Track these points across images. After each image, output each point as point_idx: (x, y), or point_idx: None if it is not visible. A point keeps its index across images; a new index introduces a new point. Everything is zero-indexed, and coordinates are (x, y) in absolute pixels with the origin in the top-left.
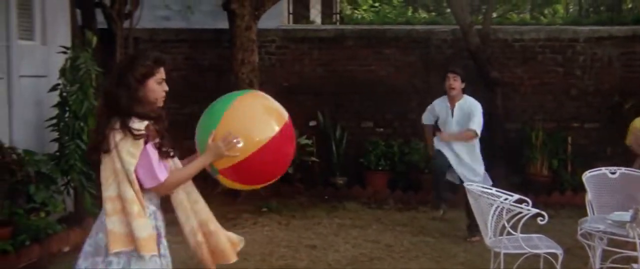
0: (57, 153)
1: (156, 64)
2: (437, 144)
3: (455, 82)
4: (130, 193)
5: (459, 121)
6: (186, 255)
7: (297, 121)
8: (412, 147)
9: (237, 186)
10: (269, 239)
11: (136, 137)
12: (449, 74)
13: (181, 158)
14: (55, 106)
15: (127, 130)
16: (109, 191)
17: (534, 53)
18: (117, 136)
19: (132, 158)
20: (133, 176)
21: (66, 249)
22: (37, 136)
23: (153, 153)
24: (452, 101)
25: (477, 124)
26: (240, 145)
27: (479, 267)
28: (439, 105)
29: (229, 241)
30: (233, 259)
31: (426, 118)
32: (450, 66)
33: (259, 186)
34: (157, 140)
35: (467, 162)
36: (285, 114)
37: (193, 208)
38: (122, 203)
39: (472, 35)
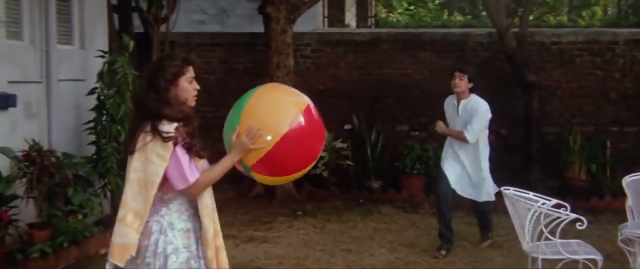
0: (95, 156)
1: (185, 64)
2: (446, 151)
3: (461, 81)
4: (134, 200)
5: (463, 119)
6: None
7: (332, 125)
8: None
9: (273, 180)
10: (305, 243)
11: (165, 139)
12: (456, 72)
13: (211, 162)
14: (92, 109)
15: (156, 132)
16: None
17: (572, 56)
18: (147, 138)
19: (162, 161)
20: (157, 179)
21: (103, 251)
22: (75, 139)
23: (183, 154)
24: (459, 99)
25: (472, 129)
26: (268, 139)
27: None
28: (448, 102)
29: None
30: None
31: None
32: (458, 64)
33: (293, 176)
34: (187, 141)
35: (470, 173)
36: (305, 100)
37: (214, 216)
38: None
39: (508, 38)
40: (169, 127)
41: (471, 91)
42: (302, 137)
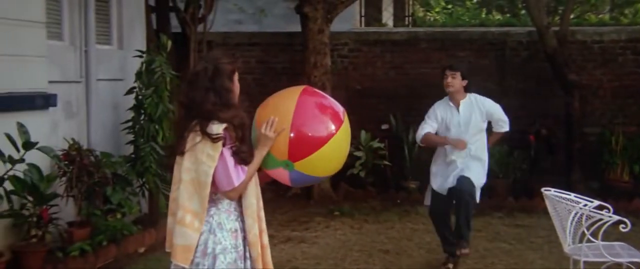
0: (133, 155)
1: (235, 61)
2: (436, 170)
3: (454, 80)
4: (190, 201)
5: (467, 121)
6: None
7: (369, 125)
8: None
9: (317, 159)
10: (342, 243)
11: (215, 140)
12: (446, 70)
13: None
14: (130, 108)
15: (205, 133)
16: (173, 193)
17: (614, 54)
18: (196, 138)
19: (212, 161)
20: (209, 179)
21: (141, 250)
22: (114, 138)
23: (229, 156)
24: (455, 101)
25: (504, 119)
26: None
27: None
28: (441, 107)
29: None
30: None
31: (426, 126)
32: (449, 61)
33: (331, 145)
34: (235, 144)
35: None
36: (301, 87)
37: (259, 214)
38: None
39: (549, 37)
40: (218, 128)
41: (466, 89)
42: (313, 104)
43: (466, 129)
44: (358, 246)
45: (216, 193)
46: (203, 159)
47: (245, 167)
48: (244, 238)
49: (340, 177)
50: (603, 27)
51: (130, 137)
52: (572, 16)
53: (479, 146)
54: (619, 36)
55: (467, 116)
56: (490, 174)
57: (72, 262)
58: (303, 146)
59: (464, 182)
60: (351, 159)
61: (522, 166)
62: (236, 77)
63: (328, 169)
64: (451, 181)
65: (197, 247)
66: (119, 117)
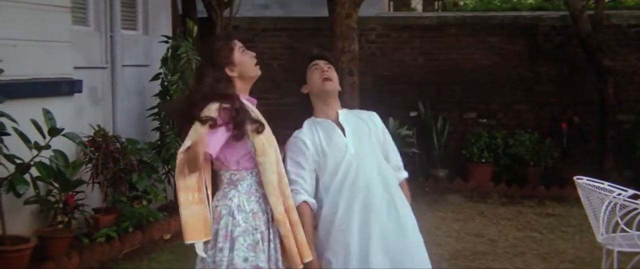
0: (158, 142)
1: (227, 39)
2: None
3: (332, 72)
4: (183, 181)
5: (361, 142)
6: None
7: (398, 111)
8: (517, 139)
9: None
10: None
11: (203, 121)
12: (319, 60)
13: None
14: (156, 95)
15: (198, 116)
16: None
17: None
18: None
19: (196, 135)
20: (182, 150)
21: (167, 236)
22: (139, 124)
23: (222, 133)
24: (333, 110)
25: (399, 159)
26: None
27: (590, 265)
28: (316, 131)
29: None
30: (299, 266)
31: (302, 189)
32: (315, 50)
33: None
34: (229, 124)
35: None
36: None
37: (284, 192)
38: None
39: (583, 21)
40: (207, 111)
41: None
42: None
43: (365, 158)
44: None
45: (235, 173)
46: (190, 134)
47: (246, 147)
48: (268, 219)
49: None
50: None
51: (156, 123)
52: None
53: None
54: None
55: (357, 134)
56: (522, 162)
57: (99, 248)
58: None
59: None
60: None
61: (554, 154)
62: (237, 53)
63: None
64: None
65: (218, 231)
66: (145, 103)
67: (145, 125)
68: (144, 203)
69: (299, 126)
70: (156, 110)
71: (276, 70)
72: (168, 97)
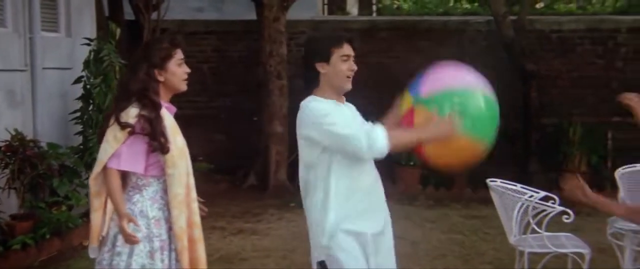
0: (81, 146)
1: (173, 46)
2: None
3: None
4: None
5: None
6: None
7: None
8: None
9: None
10: (294, 236)
11: (122, 126)
12: (350, 50)
13: (205, 153)
14: (79, 98)
15: (117, 117)
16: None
17: (573, 44)
18: (111, 120)
19: (116, 142)
20: (105, 158)
21: (87, 243)
22: (62, 129)
23: (139, 143)
24: (341, 100)
25: None
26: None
27: (507, 266)
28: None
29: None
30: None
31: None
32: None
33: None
34: (146, 132)
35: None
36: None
37: (191, 206)
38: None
39: (506, 26)
40: (126, 117)
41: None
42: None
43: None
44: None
45: (141, 179)
46: (108, 139)
47: (158, 158)
48: (170, 229)
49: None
50: (562, 16)
51: (79, 127)
52: (539, 5)
53: None
54: (578, 26)
55: None
56: None
57: (14, 255)
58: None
59: None
60: None
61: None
62: (173, 64)
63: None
64: None
65: (117, 235)
66: (68, 107)
67: (68, 129)
68: (64, 208)
69: (229, 128)
70: (79, 114)
71: (206, 73)
72: (91, 101)
